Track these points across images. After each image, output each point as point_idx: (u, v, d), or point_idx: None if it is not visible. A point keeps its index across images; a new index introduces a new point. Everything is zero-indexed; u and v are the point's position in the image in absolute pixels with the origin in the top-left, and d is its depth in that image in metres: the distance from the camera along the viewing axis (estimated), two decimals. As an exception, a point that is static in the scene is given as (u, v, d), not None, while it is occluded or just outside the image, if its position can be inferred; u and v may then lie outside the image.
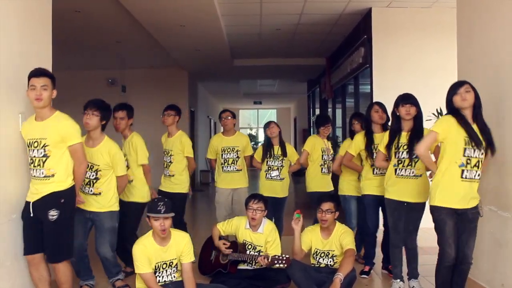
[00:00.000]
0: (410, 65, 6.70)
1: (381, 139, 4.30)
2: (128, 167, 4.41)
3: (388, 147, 3.98)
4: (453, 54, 4.43)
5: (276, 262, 3.93)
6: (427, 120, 4.17)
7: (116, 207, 4.04)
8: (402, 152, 3.91)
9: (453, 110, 3.41)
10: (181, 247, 3.63)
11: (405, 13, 6.76)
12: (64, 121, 3.42)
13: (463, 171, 3.33)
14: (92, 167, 3.89)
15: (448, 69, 5.21)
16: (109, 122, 4.13)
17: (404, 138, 3.92)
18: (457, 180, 3.35)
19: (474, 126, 3.37)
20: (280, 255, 4.00)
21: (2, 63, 3.35)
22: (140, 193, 4.50)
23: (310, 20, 7.61)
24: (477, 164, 3.35)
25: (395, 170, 3.95)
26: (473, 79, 4.02)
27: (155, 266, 3.56)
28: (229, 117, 5.19)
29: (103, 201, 3.95)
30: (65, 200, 3.40)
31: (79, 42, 8.58)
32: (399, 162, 3.93)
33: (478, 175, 3.37)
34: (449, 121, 3.39)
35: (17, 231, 3.44)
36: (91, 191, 3.92)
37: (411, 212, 3.93)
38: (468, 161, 3.33)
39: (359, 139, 4.55)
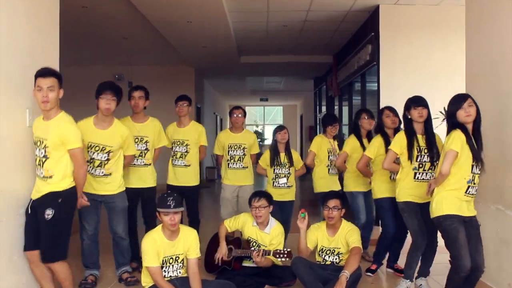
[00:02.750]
0: (418, 63, 6.65)
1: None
2: (147, 149, 4.56)
3: (410, 150, 3.86)
4: (461, 52, 4.40)
5: (278, 256, 3.93)
6: (434, 118, 4.14)
7: (123, 187, 4.17)
8: (424, 156, 3.84)
9: (455, 124, 3.34)
10: (188, 242, 3.64)
11: (413, 11, 6.71)
12: (66, 125, 3.40)
13: (468, 187, 3.33)
14: (103, 148, 3.97)
15: (456, 67, 5.19)
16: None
17: (421, 141, 3.85)
18: (462, 195, 3.34)
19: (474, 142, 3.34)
20: (281, 249, 3.99)
21: (10, 59, 3.36)
22: (155, 177, 4.68)
23: (317, 17, 7.58)
24: (477, 181, 3.35)
25: (415, 174, 3.87)
26: (480, 76, 4.01)
27: (163, 261, 3.57)
28: (240, 115, 5.17)
29: (114, 182, 4.05)
30: (63, 200, 3.37)
31: (86, 37, 8.60)
32: (420, 165, 3.86)
33: (476, 190, 3.37)
34: (462, 138, 3.29)
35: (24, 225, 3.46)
36: (102, 172, 4.00)
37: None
38: (473, 177, 3.33)
39: (379, 142, 4.44)
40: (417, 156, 3.86)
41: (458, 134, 3.30)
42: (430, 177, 3.80)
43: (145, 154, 4.55)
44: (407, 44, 6.72)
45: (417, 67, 6.64)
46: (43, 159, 3.35)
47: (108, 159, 4.00)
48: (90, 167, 3.94)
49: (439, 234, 3.78)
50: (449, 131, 3.38)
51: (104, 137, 3.97)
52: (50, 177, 3.35)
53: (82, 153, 3.54)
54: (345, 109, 10.00)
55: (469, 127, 3.34)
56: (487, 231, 3.62)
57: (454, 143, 3.29)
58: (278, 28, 8.35)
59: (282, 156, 5.10)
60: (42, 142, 3.35)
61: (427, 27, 6.70)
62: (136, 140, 4.47)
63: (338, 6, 7.04)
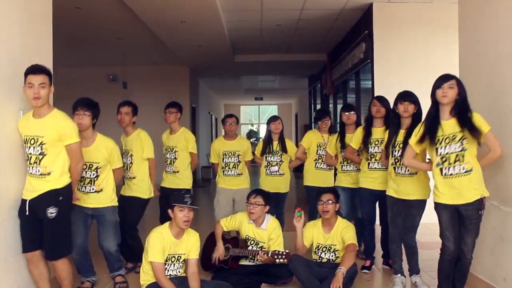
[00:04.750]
0: (411, 61, 6.69)
1: (380, 133, 4.35)
2: (132, 163, 4.49)
3: (388, 145, 4.02)
4: (455, 50, 4.42)
5: (276, 257, 3.94)
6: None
7: (115, 202, 4.09)
8: (398, 151, 3.91)
9: (434, 102, 3.43)
10: (191, 243, 3.69)
11: (406, 9, 6.74)
12: (62, 121, 3.39)
13: (441, 169, 3.35)
14: (91, 166, 3.90)
15: (450, 65, 5.18)
16: (100, 120, 4.06)
17: (401, 136, 3.92)
18: (440, 179, 3.38)
19: (452, 120, 3.34)
20: (280, 250, 4.01)
21: (3, 60, 3.35)
22: (143, 189, 4.53)
23: (311, 15, 7.60)
24: (458, 159, 3.30)
25: (394, 168, 3.96)
26: (474, 74, 4.03)
27: (166, 258, 3.59)
28: (233, 123, 5.21)
29: (104, 196, 3.98)
30: (63, 197, 3.41)
31: (80, 38, 8.58)
32: (396, 160, 3.94)
33: (463, 168, 3.29)
34: (417, 130, 3.52)
35: (19, 227, 3.45)
36: (93, 189, 3.93)
37: (409, 210, 3.92)
38: (444, 158, 3.34)
39: (359, 132, 4.54)
40: (392, 151, 3.96)
41: (416, 129, 3.54)
42: (405, 171, 3.89)
43: (129, 167, 4.52)
44: (401, 42, 6.75)
45: (411, 64, 6.67)
46: (40, 157, 3.33)
47: (97, 176, 3.93)
48: (80, 185, 3.89)
49: (420, 232, 4.02)
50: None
51: (90, 155, 3.86)
52: (48, 174, 3.35)
53: (80, 147, 3.53)
54: (340, 107, 10.00)
55: (447, 107, 3.37)
56: (482, 227, 3.63)
57: (411, 138, 3.56)
58: (272, 27, 8.36)
59: (275, 144, 5.27)
60: (37, 140, 3.33)
61: (421, 25, 6.74)
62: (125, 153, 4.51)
63: (331, 5, 7.07)
